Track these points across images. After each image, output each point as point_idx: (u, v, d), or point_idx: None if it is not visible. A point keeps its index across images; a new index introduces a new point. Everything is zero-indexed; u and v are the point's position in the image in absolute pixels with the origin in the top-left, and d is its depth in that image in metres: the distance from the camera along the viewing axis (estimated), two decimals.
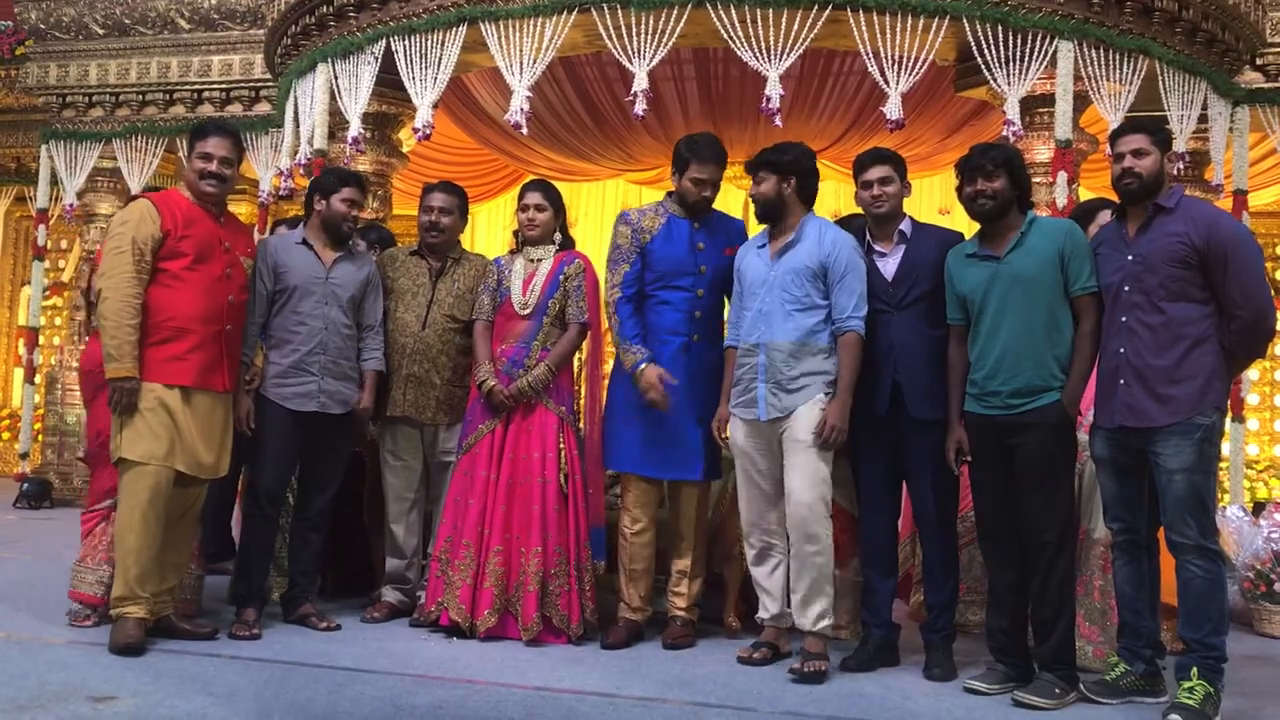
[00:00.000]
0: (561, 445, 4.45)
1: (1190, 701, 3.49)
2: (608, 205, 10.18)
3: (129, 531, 3.99)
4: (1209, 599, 3.56)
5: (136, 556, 3.98)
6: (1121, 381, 3.68)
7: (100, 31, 8.96)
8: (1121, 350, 3.69)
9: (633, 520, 4.45)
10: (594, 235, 10.07)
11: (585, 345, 4.70)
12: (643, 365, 4.29)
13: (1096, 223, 4.29)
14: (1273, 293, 4.20)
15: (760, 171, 4.19)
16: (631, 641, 4.38)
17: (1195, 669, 3.54)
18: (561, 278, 4.54)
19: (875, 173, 4.19)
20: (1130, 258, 3.70)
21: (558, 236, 4.66)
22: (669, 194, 4.55)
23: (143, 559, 4.00)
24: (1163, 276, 3.62)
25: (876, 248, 4.22)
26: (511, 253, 4.75)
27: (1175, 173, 3.77)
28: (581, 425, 4.67)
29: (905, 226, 4.23)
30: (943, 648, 4.13)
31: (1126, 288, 3.69)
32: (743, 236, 4.53)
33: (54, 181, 9.16)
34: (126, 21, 8.85)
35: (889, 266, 4.18)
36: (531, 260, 4.61)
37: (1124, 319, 3.69)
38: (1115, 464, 3.78)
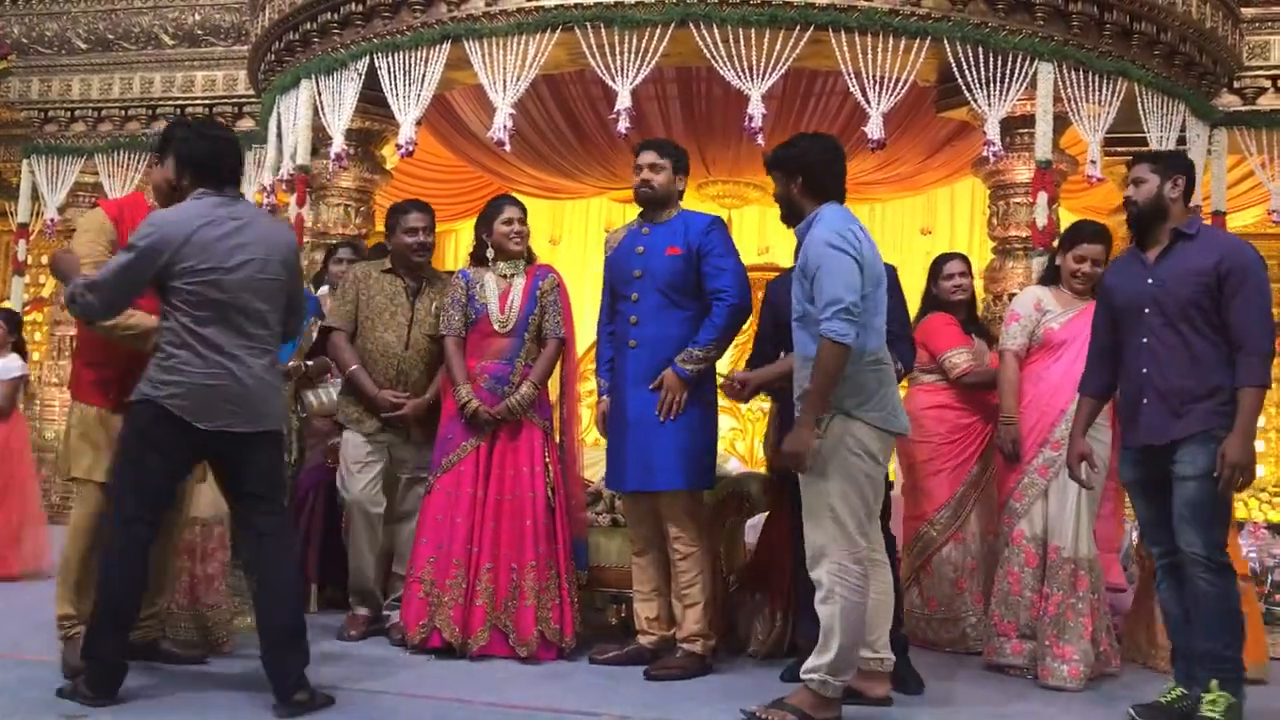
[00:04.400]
0: (547, 459, 4.46)
1: (1214, 714, 3.50)
2: (591, 223, 10.19)
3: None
4: (1221, 611, 3.58)
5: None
6: (1144, 400, 3.72)
7: (83, 46, 8.94)
8: (1145, 370, 3.73)
9: (629, 541, 4.43)
10: (577, 253, 10.08)
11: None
12: (602, 398, 4.45)
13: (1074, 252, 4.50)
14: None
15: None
16: (628, 663, 4.30)
17: (1215, 681, 3.54)
18: (538, 293, 4.53)
19: None
20: (1150, 281, 3.75)
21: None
22: None
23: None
24: (1184, 301, 3.66)
25: None
26: (477, 267, 4.65)
27: (1175, 195, 3.79)
28: (558, 438, 4.66)
29: None
30: (901, 656, 4.04)
31: (1147, 310, 3.74)
32: (704, 232, 4.28)
33: (35, 196, 9.12)
34: (110, 36, 8.83)
35: None
36: (504, 276, 4.58)
37: (1145, 340, 3.74)
38: (1144, 485, 3.80)
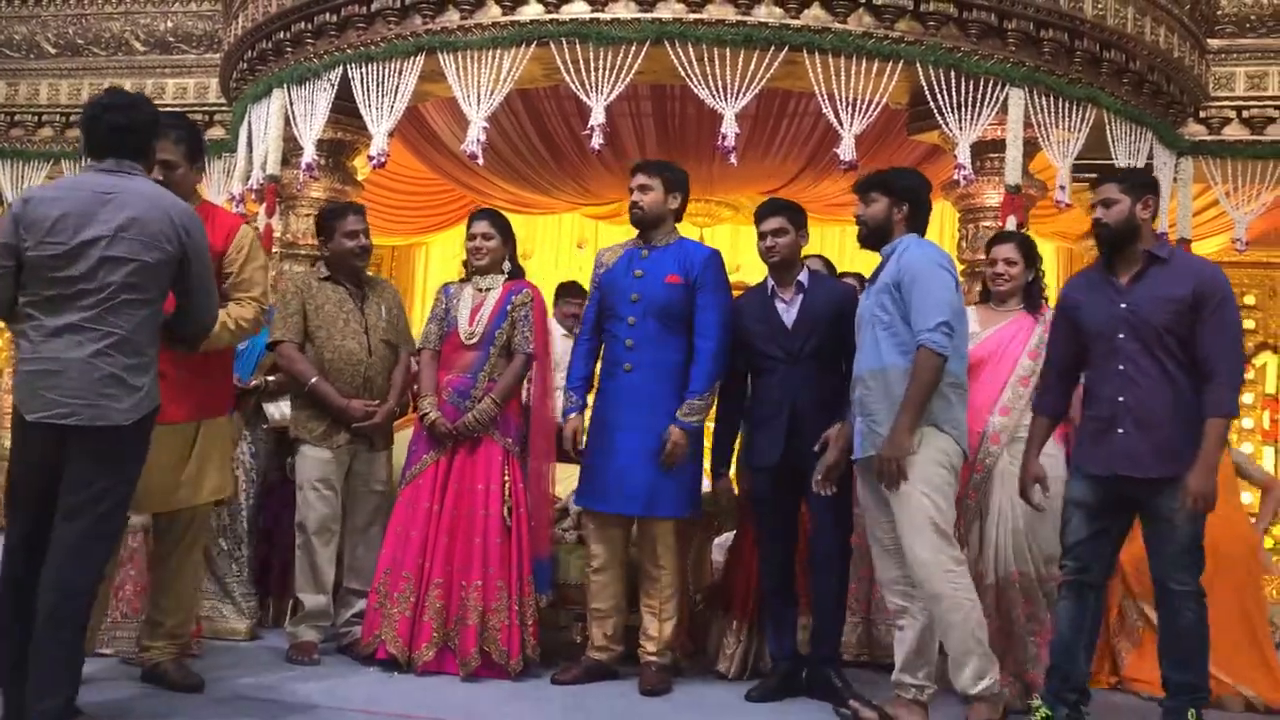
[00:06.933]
0: (506, 478, 4.40)
1: None
2: (563, 238, 10.17)
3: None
4: (1202, 641, 3.62)
5: None
6: (1120, 430, 3.67)
7: (52, 51, 8.85)
8: (1121, 399, 3.68)
9: (591, 557, 4.39)
10: (549, 268, 10.04)
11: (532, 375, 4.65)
12: (571, 415, 4.42)
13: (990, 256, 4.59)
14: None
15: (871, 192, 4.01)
16: (588, 680, 4.29)
17: (1193, 711, 3.55)
18: (509, 307, 4.51)
19: (769, 224, 4.27)
20: (1124, 305, 3.71)
21: (506, 266, 4.62)
22: None
23: None
24: (1159, 327, 3.63)
25: (780, 295, 4.28)
26: (460, 281, 4.70)
27: (1147, 216, 3.79)
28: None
29: (804, 277, 4.29)
30: (832, 668, 4.16)
31: (1121, 335, 3.69)
32: (703, 265, 4.37)
33: None
34: (80, 41, 8.75)
35: (790, 315, 4.24)
36: (480, 289, 4.58)
37: (1121, 367, 3.69)
38: (1092, 508, 3.75)
